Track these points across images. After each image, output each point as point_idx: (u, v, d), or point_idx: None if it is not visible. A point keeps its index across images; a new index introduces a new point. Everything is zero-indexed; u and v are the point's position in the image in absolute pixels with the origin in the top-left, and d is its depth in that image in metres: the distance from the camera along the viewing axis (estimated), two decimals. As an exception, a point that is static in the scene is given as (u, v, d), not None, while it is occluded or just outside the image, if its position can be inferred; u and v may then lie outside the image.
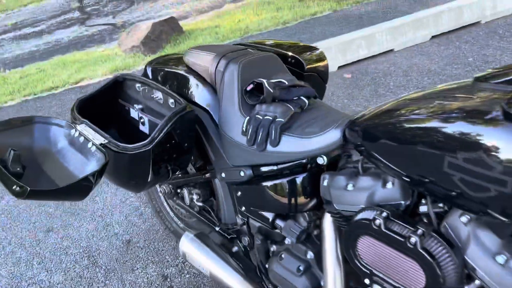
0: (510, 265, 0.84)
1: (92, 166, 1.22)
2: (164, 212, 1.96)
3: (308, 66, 1.55)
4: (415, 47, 3.38)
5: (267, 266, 1.37)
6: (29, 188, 1.06)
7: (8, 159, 1.21)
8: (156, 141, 1.23)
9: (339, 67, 3.25)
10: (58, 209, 2.33)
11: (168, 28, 4.38)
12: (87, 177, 1.14)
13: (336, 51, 3.21)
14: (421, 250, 0.88)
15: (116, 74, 1.46)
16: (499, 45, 3.18)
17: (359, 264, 1.02)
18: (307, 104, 1.26)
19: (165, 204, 1.94)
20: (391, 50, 3.36)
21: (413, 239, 0.89)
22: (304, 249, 1.27)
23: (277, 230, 1.31)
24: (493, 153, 0.75)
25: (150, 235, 2.08)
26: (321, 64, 1.62)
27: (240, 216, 1.42)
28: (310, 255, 1.26)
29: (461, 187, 0.80)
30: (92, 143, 1.25)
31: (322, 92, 1.63)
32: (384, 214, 0.94)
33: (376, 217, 0.95)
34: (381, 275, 0.98)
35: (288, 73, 1.39)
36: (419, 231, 0.90)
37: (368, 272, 1.00)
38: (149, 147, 1.23)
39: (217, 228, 1.57)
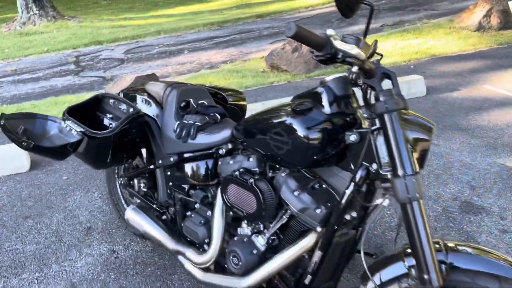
0: (301, 197, 1.52)
1: (72, 141, 1.90)
2: (119, 203, 2.58)
3: (231, 102, 2.30)
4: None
5: (182, 224, 2.01)
6: (33, 143, 1.74)
7: (19, 131, 1.88)
8: (115, 131, 1.92)
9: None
10: (36, 204, 2.92)
11: (149, 81, 5.20)
12: (67, 145, 1.83)
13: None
14: (255, 187, 1.56)
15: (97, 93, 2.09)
16: (407, 117, 4.04)
17: (227, 202, 1.68)
18: (219, 118, 1.98)
19: (121, 197, 2.57)
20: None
21: (251, 181, 1.57)
22: (205, 209, 1.92)
23: (190, 198, 1.97)
24: (288, 132, 1.47)
25: (107, 225, 2.68)
26: (241, 102, 2.37)
27: (168, 192, 2.08)
28: (208, 213, 1.91)
29: (280, 154, 1.50)
30: (74, 130, 1.94)
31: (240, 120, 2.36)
32: (239, 168, 1.64)
33: (236, 172, 1.64)
34: (238, 206, 1.65)
35: (211, 99, 2.13)
36: (256, 177, 1.59)
37: (230, 205, 1.67)
38: (110, 134, 1.92)
39: (154, 206, 2.22)
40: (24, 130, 1.89)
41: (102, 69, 6.83)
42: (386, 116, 1.29)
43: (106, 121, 2.21)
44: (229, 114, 2.11)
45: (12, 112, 2.07)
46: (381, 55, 1.50)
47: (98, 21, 11.70)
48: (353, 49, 1.19)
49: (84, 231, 2.63)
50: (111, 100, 2.18)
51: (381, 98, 1.30)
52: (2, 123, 1.96)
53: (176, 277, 2.23)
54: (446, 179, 3.00)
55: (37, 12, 11.03)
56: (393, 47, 6.20)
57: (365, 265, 1.40)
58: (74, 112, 2.11)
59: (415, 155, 1.32)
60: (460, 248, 1.32)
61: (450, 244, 1.33)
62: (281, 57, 5.41)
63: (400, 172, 1.26)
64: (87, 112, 2.17)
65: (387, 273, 1.36)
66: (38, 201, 2.96)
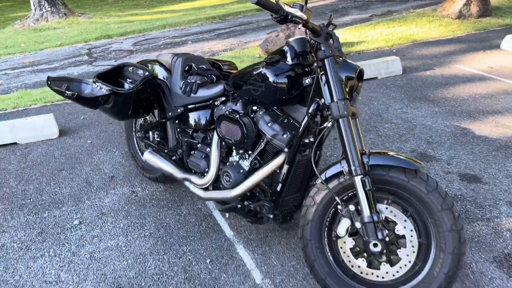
0: (273, 127, 2.11)
1: (104, 94, 2.50)
2: (137, 156, 3.19)
3: (225, 69, 2.89)
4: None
5: (188, 160, 2.60)
6: (76, 93, 2.35)
7: (63, 88, 2.49)
8: (135, 89, 2.52)
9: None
10: (67, 161, 3.53)
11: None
12: (100, 97, 2.43)
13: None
14: (240, 121, 2.16)
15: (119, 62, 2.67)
16: (384, 92, 4.62)
17: (220, 135, 2.28)
18: (215, 79, 2.58)
19: (138, 149, 3.18)
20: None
21: (237, 117, 2.17)
22: (205, 147, 2.52)
23: (194, 140, 2.57)
24: (262, 80, 2.06)
25: (127, 174, 3.29)
26: (233, 70, 2.96)
27: (176, 137, 2.68)
28: (207, 149, 2.51)
29: (258, 97, 2.09)
30: (104, 88, 2.54)
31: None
32: (229, 110, 2.23)
33: (226, 108, 2.24)
34: (228, 137, 2.24)
35: (209, 65, 2.72)
36: (241, 113, 2.18)
37: (222, 137, 2.27)
38: (131, 91, 2.52)
39: (166, 151, 2.82)
40: (67, 87, 2.50)
41: (113, 59, 7.43)
42: (325, 61, 1.88)
43: (126, 86, 2.80)
44: (224, 78, 2.70)
45: (55, 76, 2.67)
46: (335, 25, 2.09)
47: (107, 17, 12.32)
48: (297, 12, 1.77)
49: (108, 179, 3.24)
50: (130, 68, 2.77)
51: (322, 48, 1.89)
52: (49, 83, 2.57)
53: (184, 207, 2.83)
54: (408, 137, 3.58)
55: (49, 9, 11.66)
56: (379, 34, 6.76)
57: (315, 168, 2.00)
58: (101, 77, 2.70)
59: (346, 87, 1.90)
60: (379, 152, 1.90)
61: (373, 151, 1.92)
62: (275, 43, 5.99)
63: (334, 98, 1.85)
64: (111, 78, 2.77)
65: (329, 172, 1.95)
66: (69, 158, 3.58)
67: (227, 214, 2.52)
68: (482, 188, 2.82)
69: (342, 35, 6.81)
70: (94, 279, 2.27)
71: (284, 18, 1.78)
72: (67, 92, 2.46)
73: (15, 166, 3.49)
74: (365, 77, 4.95)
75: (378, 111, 4.13)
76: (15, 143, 3.90)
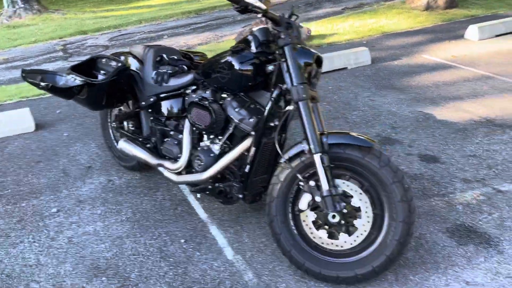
0: (240, 112, 2.24)
1: (77, 84, 2.60)
2: (113, 146, 3.28)
3: (196, 60, 3.00)
4: (299, 80, 4.96)
5: (161, 147, 2.72)
6: (50, 84, 2.44)
7: (37, 80, 2.58)
8: (107, 79, 2.62)
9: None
10: (44, 153, 3.60)
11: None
12: (73, 87, 2.53)
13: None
14: (209, 107, 2.28)
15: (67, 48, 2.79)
16: (353, 81, 4.80)
17: (191, 121, 2.40)
18: (186, 69, 2.70)
19: (113, 139, 3.27)
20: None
21: (206, 103, 2.30)
22: (178, 134, 2.64)
23: (166, 128, 2.69)
24: (229, 67, 2.19)
25: (103, 164, 3.38)
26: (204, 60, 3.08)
27: (150, 125, 2.80)
28: (180, 136, 2.63)
29: (225, 84, 2.22)
30: (78, 79, 2.63)
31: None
32: (199, 97, 2.36)
33: (196, 96, 2.36)
34: (198, 123, 2.37)
35: (180, 56, 2.83)
36: (210, 100, 2.31)
37: (193, 123, 2.39)
38: (104, 82, 2.62)
39: (140, 139, 2.93)
40: (41, 78, 2.59)
41: (89, 55, 7.44)
42: (285, 48, 2.02)
43: (100, 77, 2.89)
44: (195, 68, 2.81)
45: (29, 69, 2.75)
46: (297, 16, 2.24)
47: (81, 13, 12.23)
48: (256, 2, 1.91)
49: (85, 169, 3.33)
50: (104, 60, 2.87)
51: (282, 36, 2.03)
52: (24, 75, 2.65)
53: (159, 193, 2.95)
54: (374, 123, 3.77)
55: (22, 6, 11.51)
56: (350, 27, 6.95)
57: (279, 150, 2.15)
58: (75, 69, 2.79)
59: (305, 73, 2.05)
60: (337, 132, 2.06)
61: (331, 131, 2.07)
62: (249, 36, 6.11)
63: (294, 82, 2.00)
64: (85, 70, 2.85)
65: (291, 152, 2.10)
66: (46, 151, 3.65)
67: (198, 195, 2.65)
68: (440, 167, 3.02)
69: (315, 27, 6.98)
70: (73, 261, 2.38)
71: (244, 8, 1.91)
72: (41, 83, 2.55)
73: (-8, 160, 3.55)
74: (335, 68, 5.14)
75: (347, 100, 4.31)
76: (-9, 138, 3.95)
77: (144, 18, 10.40)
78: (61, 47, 8.44)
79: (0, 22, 11.32)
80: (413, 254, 2.25)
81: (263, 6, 1.94)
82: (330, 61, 5.12)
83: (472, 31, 5.95)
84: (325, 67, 5.00)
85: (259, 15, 1.99)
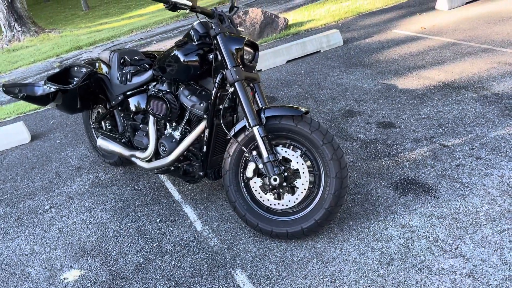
0: (192, 98, 2.53)
1: (50, 92, 2.91)
2: (96, 146, 3.59)
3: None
4: (274, 68, 5.22)
5: (133, 139, 3.02)
6: (26, 94, 2.76)
7: (16, 91, 2.90)
8: (77, 85, 2.93)
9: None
10: (39, 160, 3.94)
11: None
12: (48, 94, 2.84)
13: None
14: (164, 98, 2.57)
15: (63, 64, 3.12)
16: (325, 63, 5.04)
17: (151, 112, 2.69)
18: (148, 67, 2.99)
19: (96, 139, 3.59)
20: (260, 70, 5.19)
21: (161, 94, 2.58)
22: (146, 126, 2.94)
23: (135, 122, 2.99)
24: (175, 60, 2.47)
25: (91, 164, 3.70)
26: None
27: (122, 122, 3.10)
28: (147, 128, 2.92)
29: (175, 75, 2.51)
30: (52, 88, 2.95)
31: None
32: (155, 90, 2.65)
33: (154, 89, 2.65)
34: (157, 113, 2.66)
35: (142, 56, 3.12)
36: (164, 91, 2.60)
37: (152, 113, 2.68)
38: (75, 87, 2.93)
39: (117, 136, 3.23)
40: (20, 90, 2.92)
41: (82, 68, 7.81)
42: (217, 37, 2.30)
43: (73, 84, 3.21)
44: (157, 66, 3.10)
45: (10, 83, 3.08)
46: (237, 8, 2.51)
47: (77, 30, 12.67)
48: (182, 0, 2.18)
49: (75, 170, 3.65)
50: (76, 67, 3.18)
51: (213, 27, 2.30)
52: (3, 89, 2.99)
53: (140, 183, 3.26)
54: (339, 99, 4.01)
55: (19, 29, 12.00)
56: (326, 11, 7.16)
57: (224, 128, 2.42)
58: (52, 79, 3.11)
59: (237, 57, 2.32)
60: (272, 106, 2.32)
61: (267, 106, 2.34)
62: (228, 32, 6.38)
63: (228, 66, 2.27)
64: (61, 79, 3.17)
65: (236, 128, 2.37)
66: (40, 158, 3.99)
67: (162, 176, 2.96)
68: (394, 131, 3.26)
69: (293, 16, 7.21)
70: (63, 247, 2.70)
71: (173, 7, 2.19)
72: (19, 94, 2.87)
73: (-7, 171, 3.91)
74: (308, 52, 5.37)
75: (317, 81, 4.56)
76: (-9, 152, 4.31)
77: (135, 27, 10.76)
78: (58, 64, 8.84)
79: (1, 47, 11.81)
80: (358, 208, 2.51)
81: (189, 3, 2.21)
82: (303, 46, 5.35)
83: (442, 1, 6.11)
84: (298, 53, 5.29)
85: (187, 11, 2.26)
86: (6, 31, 12.02)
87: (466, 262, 2.00)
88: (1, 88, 3.06)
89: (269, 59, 5.23)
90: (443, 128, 3.16)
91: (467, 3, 6.13)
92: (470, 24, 5.30)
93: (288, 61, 5.33)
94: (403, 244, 2.18)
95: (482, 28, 5.05)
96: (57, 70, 3.81)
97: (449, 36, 5.05)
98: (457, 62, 4.28)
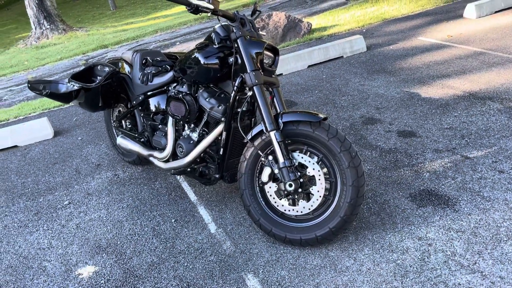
0: (211, 101, 2.54)
1: (73, 90, 2.97)
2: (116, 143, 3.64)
3: (182, 60, 3.32)
4: (296, 72, 5.20)
5: (152, 139, 3.05)
6: (49, 91, 2.81)
7: (41, 88, 2.97)
8: (100, 83, 2.97)
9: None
10: (60, 156, 4.02)
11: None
12: (72, 92, 2.89)
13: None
14: (183, 99, 2.59)
15: (88, 63, 3.21)
16: (347, 69, 4.99)
17: (170, 113, 2.71)
18: (169, 68, 3.02)
19: (116, 137, 3.63)
20: (281, 74, 5.18)
21: (181, 96, 2.60)
22: (164, 127, 2.96)
23: (155, 122, 3.02)
24: (196, 62, 2.48)
25: (111, 162, 3.75)
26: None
27: (142, 122, 3.13)
28: (166, 128, 2.94)
29: (195, 77, 2.52)
30: (75, 86, 3.00)
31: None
32: (175, 91, 2.67)
33: (174, 91, 2.67)
34: (176, 114, 2.67)
35: (164, 57, 3.15)
36: (184, 93, 2.62)
37: (171, 114, 2.70)
38: (98, 85, 2.98)
39: (136, 135, 3.27)
40: (44, 87, 2.98)
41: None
42: (238, 41, 2.30)
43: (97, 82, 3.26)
44: (178, 67, 3.13)
45: (35, 79, 3.15)
46: (259, 11, 2.52)
47: (103, 29, 12.90)
48: (204, 3, 2.19)
49: (95, 167, 3.71)
50: (99, 66, 3.23)
51: (234, 30, 2.30)
52: (29, 85, 3.06)
53: (157, 183, 3.28)
54: (360, 106, 3.97)
55: (48, 27, 12.29)
56: (351, 17, 7.10)
57: (241, 132, 2.42)
58: (76, 77, 3.17)
59: (257, 61, 2.31)
60: (290, 111, 2.31)
61: (285, 111, 2.32)
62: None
63: (248, 70, 2.27)
64: (85, 77, 3.23)
65: (253, 132, 2.37)
66: (62, 154, 4.07)
67: (178, 177, 2.97)
68: (415, 141, 3.20)
69: (317, 21, 7.18)
70: (79, 243, 2.74)
71: (195, 10, 2.20)
72: (43, 91, 2.94)
73: (16, 165, 4.00)
74: (331, 58, 5.34)
75: (338, 86, 4.52)
76: (15, 146, 4.41)
77: (160, 27, 10.89)
78: (83, 62, 9.01)
79: (30, 43, 12.12)
80: (375, 217, 2.47)
81: (211, 6, 2.22)
82: (325, 51, 5.32)
83: (470, 9, 5.99)
84: (319, 58, 5.26)
85: (209, 14, 2.27)
86: (36, 28, 12.33)
87: (483, 279, 1.94)
88: (27, 85, 3.12)
89: (290, 63, 5.21)
90: (466, 139, 3.09)
91: (496, 12, 5.99)
92: (498, 34, 5.17)
93: (309, 66, 5.30)
94: (419, 257, 2.13)
95: (511, 38, 4.92)
96: (82, 68, 3.87)
97: (476, 45, 4.94)
98: (484, 72, 4.19)
